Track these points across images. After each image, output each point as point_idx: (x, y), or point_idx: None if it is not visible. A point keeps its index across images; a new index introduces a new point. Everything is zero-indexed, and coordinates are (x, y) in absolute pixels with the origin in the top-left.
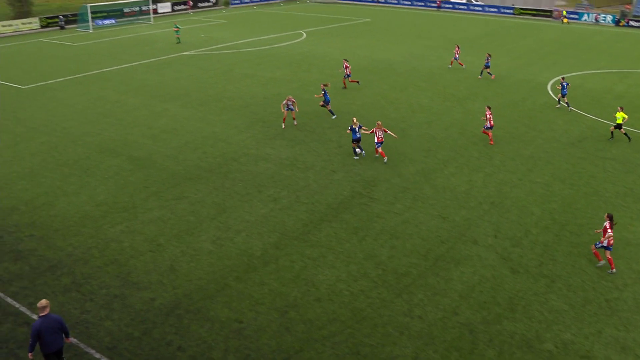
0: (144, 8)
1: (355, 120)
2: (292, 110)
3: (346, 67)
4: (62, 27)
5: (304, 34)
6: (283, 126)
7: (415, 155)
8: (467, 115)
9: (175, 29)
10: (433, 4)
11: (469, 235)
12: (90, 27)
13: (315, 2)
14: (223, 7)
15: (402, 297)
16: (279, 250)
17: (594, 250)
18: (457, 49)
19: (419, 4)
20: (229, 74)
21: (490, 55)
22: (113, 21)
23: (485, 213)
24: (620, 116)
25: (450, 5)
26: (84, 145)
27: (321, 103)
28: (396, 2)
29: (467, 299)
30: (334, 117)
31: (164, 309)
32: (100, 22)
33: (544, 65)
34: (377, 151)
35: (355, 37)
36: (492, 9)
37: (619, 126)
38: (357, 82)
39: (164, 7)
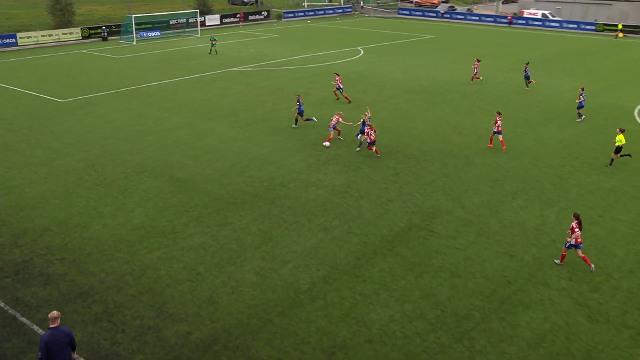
0: (191, 20)
1: (367, 114)
2: (334, 129)
3: (337, 80)
4: (104, 39)
5: (361, 51)
6: (326, 144)
7: (480, 185)
8: (539, 143)
9: (213, 42)
10: (504, 20)
11: (540, 277)
12: (134, 39)
13: (374, 16)
14: (275, 20)
15: (463, 342)
16: (327, 284)
17: (563, 253)
18: (476, 62)
19: (488, 19)
20: (279, 92)
21: (528, 64)
22: (158, 33)
23: (559, 253)
24: (619, 139)
25: (524, 22)
26: (122, 164)
27: (295, 114)
28: (463, 17)
29: (537, 349)
30: (294, 126)
31: (201, 344)
32: (144, 34)
33: (631, 88)
34: (374, 150)
35: (417, 55)
36: (571, 25)
37: (618, 150)
38: (349, 100)
39: (212, 20)
